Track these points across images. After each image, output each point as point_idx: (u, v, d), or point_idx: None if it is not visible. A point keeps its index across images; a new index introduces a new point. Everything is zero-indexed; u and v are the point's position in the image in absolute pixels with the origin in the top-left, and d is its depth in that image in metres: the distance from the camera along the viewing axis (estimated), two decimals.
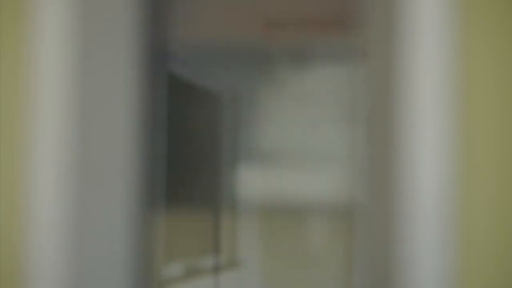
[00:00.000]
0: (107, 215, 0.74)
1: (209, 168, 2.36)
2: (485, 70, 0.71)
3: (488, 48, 0.71)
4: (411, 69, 0.71)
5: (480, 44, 0.71)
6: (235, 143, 2.44)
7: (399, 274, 0.71)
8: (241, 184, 2.40)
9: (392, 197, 0.71)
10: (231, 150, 2.40)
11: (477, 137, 0.71)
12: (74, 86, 0.74)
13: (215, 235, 2.52)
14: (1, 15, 0.76)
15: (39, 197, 0.74)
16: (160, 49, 0.73)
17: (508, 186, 0.71)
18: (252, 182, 2.40)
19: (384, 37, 0.72)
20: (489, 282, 0.71)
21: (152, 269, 1.28)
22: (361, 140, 1.14)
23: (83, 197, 0.74)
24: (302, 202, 2.39)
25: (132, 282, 0.74)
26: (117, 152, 0.74)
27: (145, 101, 0.76)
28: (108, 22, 0.75)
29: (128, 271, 0.74)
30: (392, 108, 0.72)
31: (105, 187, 0.74)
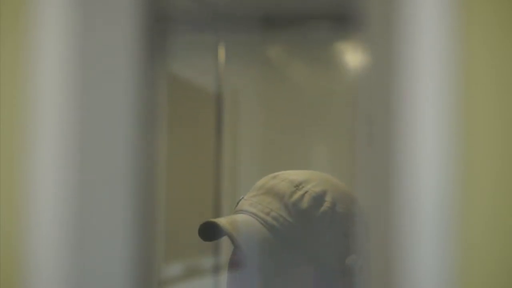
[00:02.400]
0: (107, 215, 0.74)
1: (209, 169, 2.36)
2: (485, 70, 0.71)
3: (489, 48, 0.71)
4: (411, 69, 0.71)
5: (480, 44, 0.71)
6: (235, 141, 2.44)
7: (398, 273, 0.71)
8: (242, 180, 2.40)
9: (391, 197, 0.71)
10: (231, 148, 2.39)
11: (477, 137, 0.71)
12: (74, 87, 0.74)
13: None
14: (1, 15, 0.76)
15: (39, 197, 0.74)
16: (160, 47, 0.73)
17: (509, 186, 0.71)
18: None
19: (384, 36, 0.72)
20: (489, 282, 0.71)
21: (152, 269, 1.28)
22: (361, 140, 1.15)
23: (83, 197, 0.74)
24: None
25: (132, 282, 0.74)
26: (118, 152, 0.74)
27: (145, 101, 0.76)
28: (108, 22, 0.75)
29: (128, 271, 0.74)
30: (392, 107, 0.72)
31: (105, 187, 0.74)
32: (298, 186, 1.15)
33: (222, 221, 1.15)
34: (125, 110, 0.74)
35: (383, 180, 0.72)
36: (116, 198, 0.74)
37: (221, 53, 2.34)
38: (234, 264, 1.17)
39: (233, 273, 1.17)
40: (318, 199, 1.14)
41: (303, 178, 1.17)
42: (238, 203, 1.20)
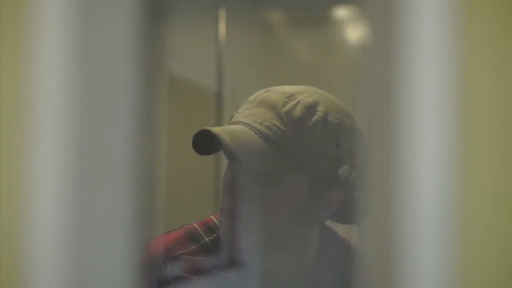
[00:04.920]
0: (108, 215, 0.74)
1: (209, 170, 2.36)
2: (485, 69, 0.71)
3: (489, 48, 0.71)
4: (411, 68, 0.71)
5: (481, 44, 0.71)
6: None
7: (398, 274, 0.71)
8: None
9: (391, 197, 0.71)
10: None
11: (477, 137, 0.71)
12: (74, 87, 0.74)
13: None
14: (1, 15, 0.76)
15: (39, 197, 0.74)
16: (160, 49, 0.73)
17: (509, 186, 0.71)
18: None
19: (383, 35, 0.72)
20: (489, 282, 0.71)
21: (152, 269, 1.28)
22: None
23: (83, 197, 0.74)
24: None
25: (132, 282, 0.74)
26: (118, 152, 0.74)
27: (145, 102, 0.76)
28: (108, 22, 0.75)
29: (128, 271, 0.74)
30: (392, 107, 0.72)
31: (105, 187, 0.74)
32: (290, 97, 1.16)
33: (220, 132, 1.14)
34: (125, 109, 0.74)
35: (383, 180, 0.72)
36: (116, 199, 0.74)
37: (222, 16, 2.32)
38: (230, 180, 1.17)
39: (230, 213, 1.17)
40: (311, 108, 1.15)
41: (295, 90, 1.17)
42: (231, 118, 1.20)
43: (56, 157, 0.74)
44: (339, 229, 1.24)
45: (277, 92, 1.17)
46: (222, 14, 2.36)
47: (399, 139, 0.71)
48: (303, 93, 1.17)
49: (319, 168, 1.14)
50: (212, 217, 1.26)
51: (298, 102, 1.15)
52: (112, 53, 0.75)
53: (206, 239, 1.23)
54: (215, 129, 1.14)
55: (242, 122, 1.16)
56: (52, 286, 0.73)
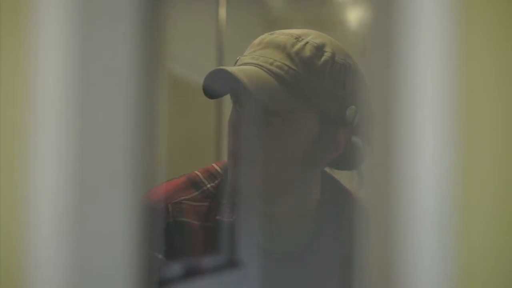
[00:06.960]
0: (108, 215, 0.74)
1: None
2: (485, 70, 0.71)
3: (489, 47, 0.71)
4: (411, 68, 0.71)
5: (481, 43, 0.71)
6: None
7: (399, 274, 0.71)
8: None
9: (391, 197, 0.71)
10: None
11: (478, 137, 0.71)
12: (74, 86, 0.74)
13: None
14: (1, 15, 0.76)
15: (39, 197, 0.74)
16: (160, 49, 0.73)
17: (509, 186, 0.71)
18: None
19: (384, 35, 0.72)
20: (490, 282, 0.71)
21: (152, 269, 1.28)
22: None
23: (84, 198, 0.74)
24: None
25: (132, 282, 0.74)
26: (118, 152, 0.74)
27: (145, 102, 0.76)
28: (109, 21, 0.75)
29: (129, 271, 0.74)
30: (392, 107, 0.72)
31: (106, 187, 0.74)
32: (298, 38, 1.17)
33: (235, 71, 1.13)
34: (126, 109, 0.74)
35: (383, 179, 0.72)
36: (116, 199, 0.74)
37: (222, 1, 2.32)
38: (237, 122, 1.17)
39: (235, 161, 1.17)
40: (319, 49, 1.16)
41: (301, 32, 1.18)
42: (236, 63, 1.18)
43: (56, 157, 0.74)
44: (341, 178, 1.26)
45: (284, 33, 1.17)
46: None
47: (399, 138, 0.71)
48: (309, 35, 1.17)
49: (329, 108, 1.15)
50: (214, 164, 1.27)
51: (307, 42, 1.16)
52: (112, 52, 0.75)
53: (208, 186, 1.24)
54: (230, 69, 1.14)
55: (251, 63, 1.15)
56: (52, 286, 0.73)
